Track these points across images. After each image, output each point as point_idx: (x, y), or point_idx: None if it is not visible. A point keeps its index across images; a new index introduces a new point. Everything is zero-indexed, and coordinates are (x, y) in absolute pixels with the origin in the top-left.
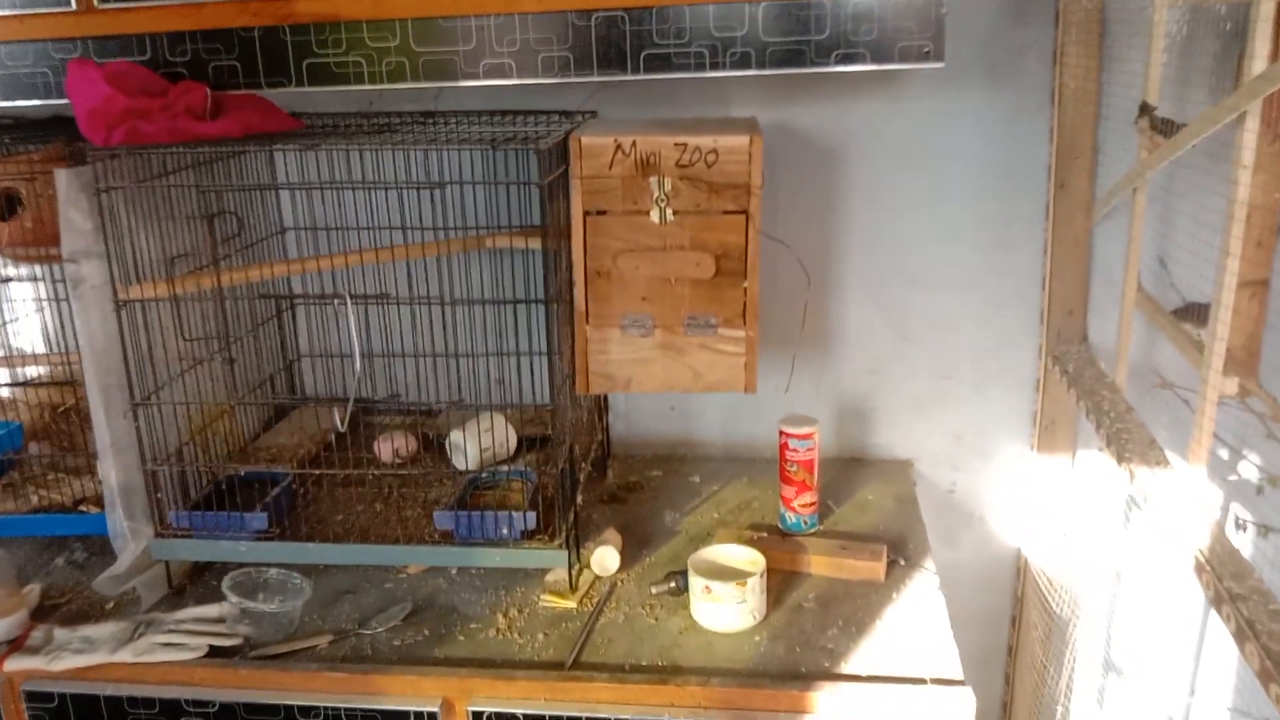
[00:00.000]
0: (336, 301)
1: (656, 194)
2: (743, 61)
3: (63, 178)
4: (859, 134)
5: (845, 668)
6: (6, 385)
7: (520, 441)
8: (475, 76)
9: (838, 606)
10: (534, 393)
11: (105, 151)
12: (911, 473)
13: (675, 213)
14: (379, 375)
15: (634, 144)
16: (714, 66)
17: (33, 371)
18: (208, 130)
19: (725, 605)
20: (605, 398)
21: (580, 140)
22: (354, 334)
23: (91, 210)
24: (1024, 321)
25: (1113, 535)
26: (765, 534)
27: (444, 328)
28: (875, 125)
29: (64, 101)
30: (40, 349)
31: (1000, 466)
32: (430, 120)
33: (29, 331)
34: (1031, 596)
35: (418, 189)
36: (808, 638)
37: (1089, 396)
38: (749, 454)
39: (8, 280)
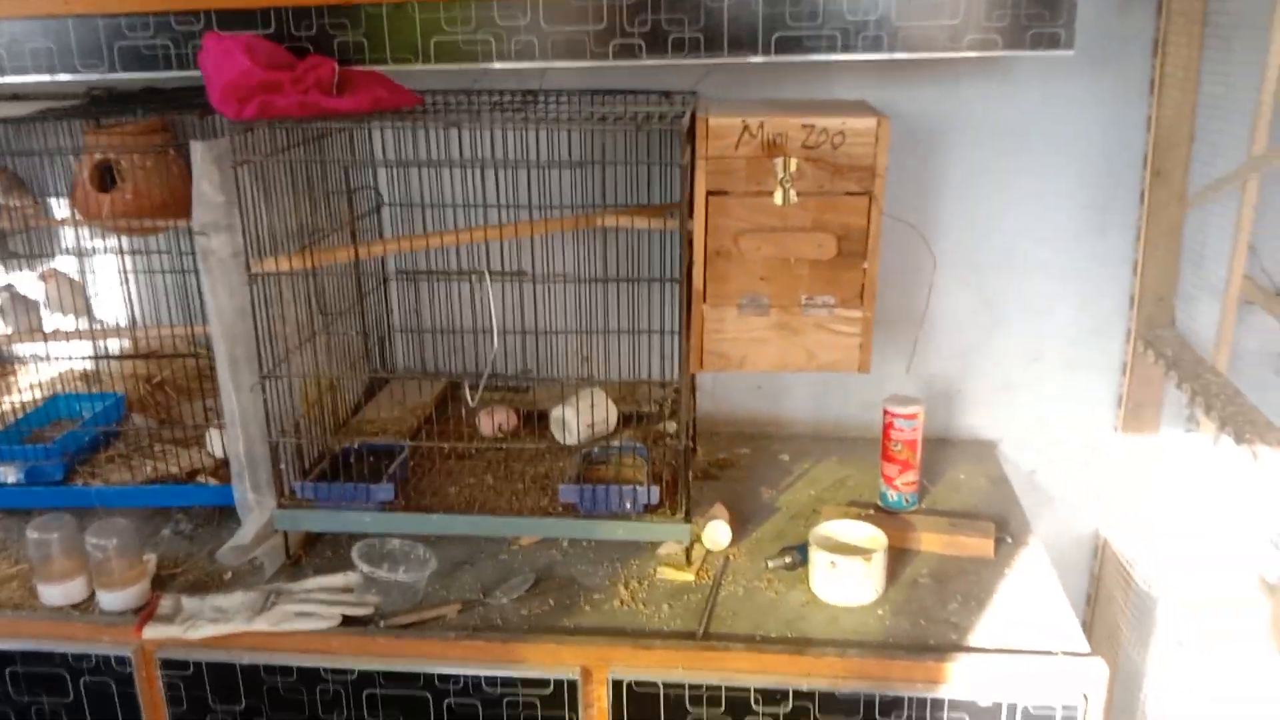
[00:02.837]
0: (474, 277)
1: (781, 175)
2: (875, 44)
3: (198, 150)
4: (960, 118)
5: (972, 641)
6: (124, 357)
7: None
8: (604, 57)
9: (953, 583)
10: (631, 370)
11: (241, 125)
12: (996, 454)
13: (799, 194)
14: (469, 351)
15: (761, 125)
16: (846, 49)
17: (114, 344)
18: (338, 105)
19: (850, 580)
20: (694, 376)
21: (708, 121)
22: (493, 310)
23: (224, 183)
24: (1114, 307)
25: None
26: (871, 511)
27: (534, 304)
28: (977, 110)
29: (164, 74)
30: (125, 321)
31: (1083, 448)
32: (535, 100)
33: (112, 304)
34: (1111, 575)
35: (565, 168)
36: (929, 612)
37: (1193, 380)
38: (837, 433)
39: (95, 253)
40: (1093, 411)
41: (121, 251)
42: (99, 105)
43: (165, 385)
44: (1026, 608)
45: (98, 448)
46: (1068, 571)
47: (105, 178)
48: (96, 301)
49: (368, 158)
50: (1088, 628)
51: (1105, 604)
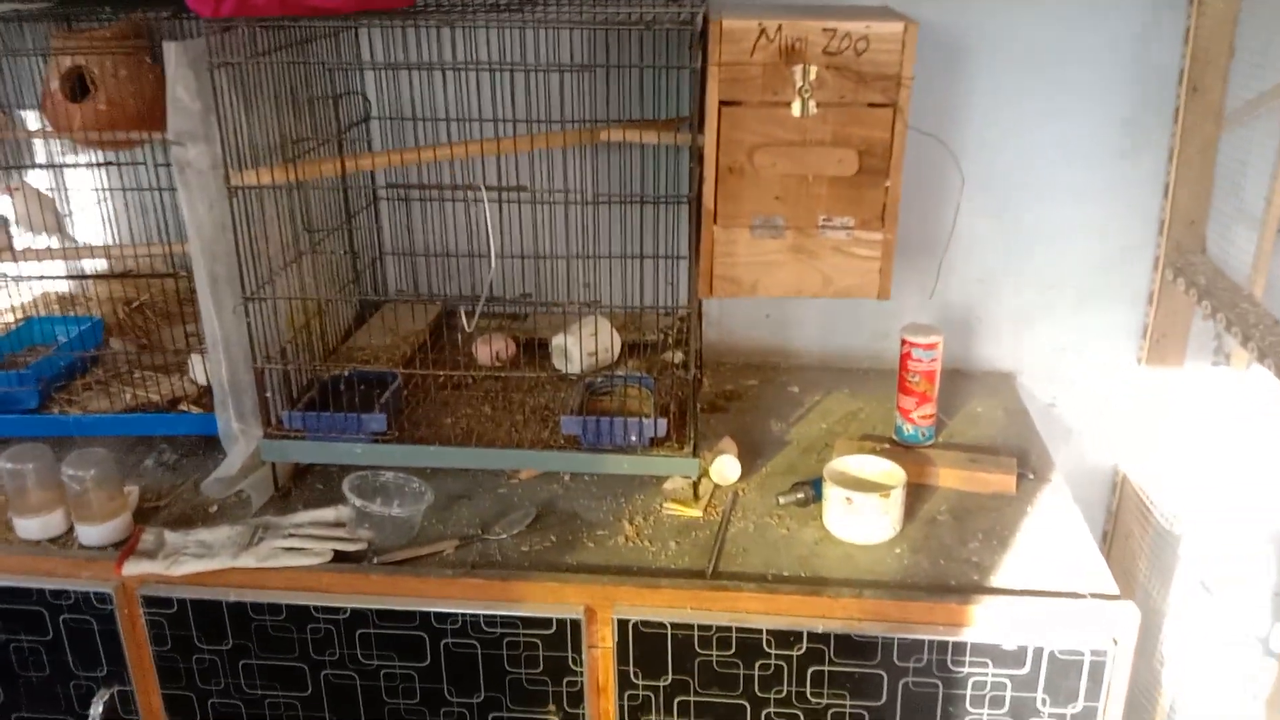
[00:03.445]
0: (472, 194)
1: (800, 84)
2: None
3: (171, 51)
4: (983, 29)
5: (995, 581)
6: (100, 277)
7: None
8: None
9: (973, 520)
10: (635, 296)
11: (218, 24)
12: (1014, 385)
13: (818, 105)
14: (464, 275)
15: (779, 28)
16: None
17: (90, 265)
18: (321, 3)
19: (866, 517)
20: (700, 303)
21: (722, 23)
22: (489, 229)
23: (201, 88)
24: (1141, 233)
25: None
26: (886, 445)
27: (534, 226)
28: (1001, 20)
29: None
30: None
31: (1103, 380)
32: (534, 1)
33: (87, 221)
34: (1130, 512)
35: (564, 72)
36: (949, 551)
37: (1229, 309)
38: (846, 364)
39: (68, 166)
40: (1115, 343)
41: (96, 165)
42: (68, 6)
43: (145, 308)
44: (1051, 547)
45: (74, 374)
46: (1084, 507)
47: (76, 87)
48: (71, 219)
49: (356, 62)
50: None
51: (1122, 541)
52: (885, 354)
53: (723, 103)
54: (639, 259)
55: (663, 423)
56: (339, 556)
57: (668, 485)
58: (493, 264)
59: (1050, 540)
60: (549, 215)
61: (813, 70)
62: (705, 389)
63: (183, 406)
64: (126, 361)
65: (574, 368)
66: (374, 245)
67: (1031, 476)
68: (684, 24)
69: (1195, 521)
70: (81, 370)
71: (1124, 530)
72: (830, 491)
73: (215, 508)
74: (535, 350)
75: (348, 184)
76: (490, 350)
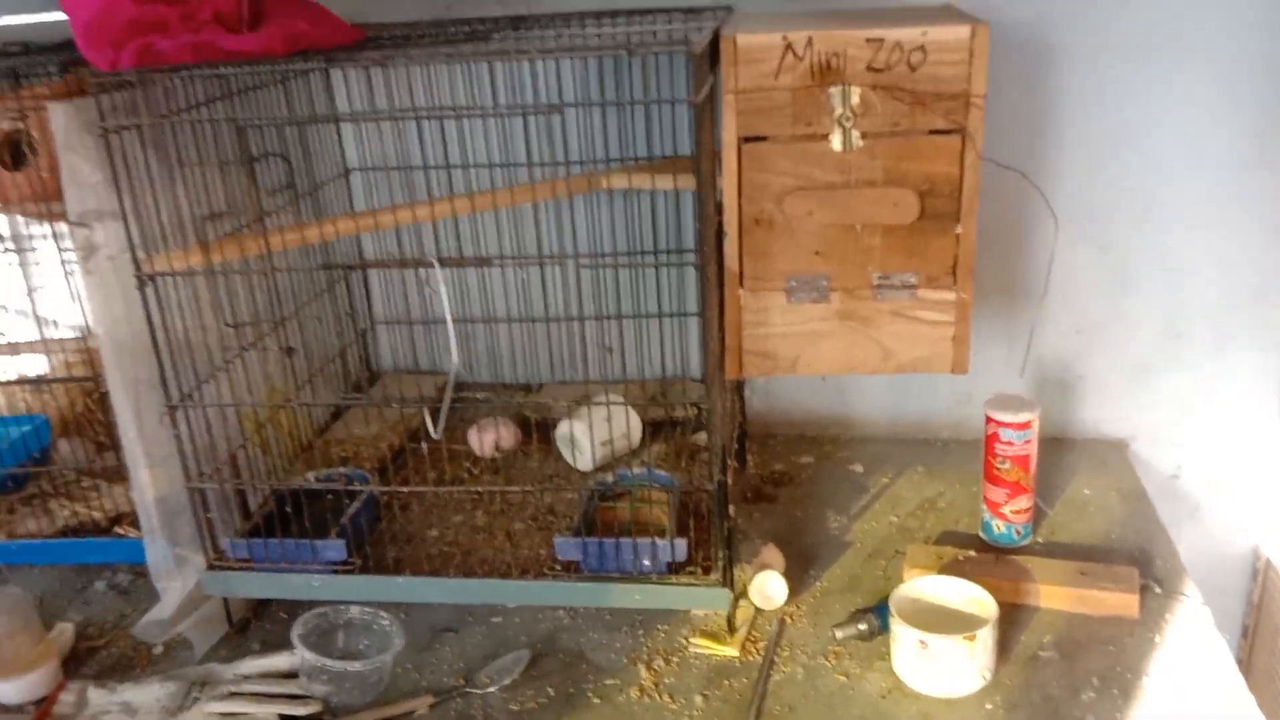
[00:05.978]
0: (423, 271)
1: (840, 110)
2: None
3: (59, 114)
4: (1074, 21)
5: None
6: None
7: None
8: None
9: (1085, 657)
10: (660, 365)
11: (112, 79)
12: (1127, 455)
13: (864, 136)
14: (470, 341)
15: (809, 42)
16: None
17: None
18: (244, 46)
19: (947, 664)
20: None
21: (735, 40)
22: (449, 314)
23: (102, 157)
24: None
25: None
26: (972, 552)
27: (544, 290)
28: (1100, 6)
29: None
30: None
31: (1237, 444)
32: (523, 26)
33: (51, 305)
34: (1276, 604)
35: (527, 114)
36: (1056, 707)
37: None
38: (921, 434)
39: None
40: (1251, 398)
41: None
42: (10, 58)
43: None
44: (1189, 693)
45: (23, 483)
46: (1218, 596)
47: (15, 152)
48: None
49: (279, 116)
50: (1243, 665)
51: (1268, 638)
52: (969, 421)
53: (743, 139)
54: (658, 318)
55: (681, 544)
56: None
57: (697, 611)
58: (454, 358)
59: (1187, 683)
60: (547, 275)
61: (855, 92)
62: (750, 471)
63: (119, 530)
64: (73, 469)
65: (585, 461)
66: (364, 315)
67: (1158, 590)
68: (675, 46)
69: None
70: (22, 481)
71: (1270, 626)
72: (899, 631)
73: (160, 648)
74: (545, 432)
75: (318, 258)
76: (487, 439)
